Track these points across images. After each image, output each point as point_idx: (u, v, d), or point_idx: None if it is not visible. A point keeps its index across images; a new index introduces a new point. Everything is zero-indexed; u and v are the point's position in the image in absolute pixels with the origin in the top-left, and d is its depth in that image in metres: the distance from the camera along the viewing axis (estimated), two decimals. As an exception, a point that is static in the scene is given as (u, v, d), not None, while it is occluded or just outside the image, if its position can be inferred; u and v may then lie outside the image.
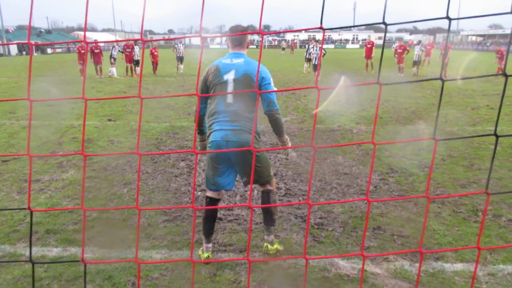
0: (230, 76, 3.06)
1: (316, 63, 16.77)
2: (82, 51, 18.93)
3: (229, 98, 3.07)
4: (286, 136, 3.34)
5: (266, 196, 3.28)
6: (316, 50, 18.01)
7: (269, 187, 3.29)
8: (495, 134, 1.16)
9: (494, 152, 1.23)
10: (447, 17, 1.17)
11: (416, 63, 19.13)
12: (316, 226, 3.91)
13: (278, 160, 5.96)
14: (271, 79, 3.14)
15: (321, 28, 1.24)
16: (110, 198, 4.59)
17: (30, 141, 7.16)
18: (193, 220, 3.95)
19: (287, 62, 30.04)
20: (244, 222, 3.98)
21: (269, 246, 3.31)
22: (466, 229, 3.82)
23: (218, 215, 3.95)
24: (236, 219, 4.05)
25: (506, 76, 1.18)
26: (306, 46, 23.29)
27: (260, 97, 3.13)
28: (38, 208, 4.30)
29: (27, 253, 3.39)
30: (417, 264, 3.25)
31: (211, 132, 3.13)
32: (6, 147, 6.82)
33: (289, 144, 3.38)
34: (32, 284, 1.69)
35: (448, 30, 1.30)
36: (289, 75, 19.40)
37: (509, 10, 1.32)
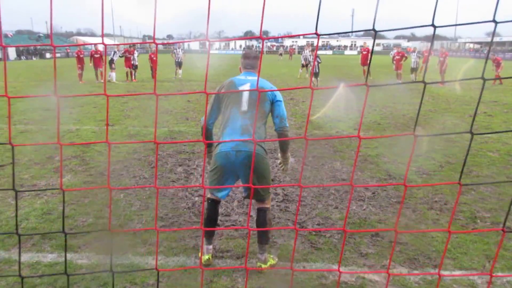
0: (245, 88, 3.18)
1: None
2: (81, 56, 18.88)
3: (244, 107, 3.16)
4: (289, 154, 3.42)
5: (262, 215, 3.25)
6: (311, 56, 17.65)
7: (266, 205, 3.28)
8: (471, 132, 1.29)
9: (469, 148, 1.36)
10: (432, 25, 1.23)
11: (414, 70, 19.20)
12: (314, 233, 3.88)
13: (276, 166, 5.94)
14: (282, 98, 3.27)
15: (316, 34, 1.26)
16: (107, 203, 4.55)
17: (28, 145, 7.13)
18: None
19: (285, 67, 30.11)
20: (241, 228, 3.96)
21: (262, 265, 3.23)
22: (465, 236, 3.80)
23: (215, 221, 3.98)
24: (234, 225, 4.02)
25: (484, 80, 1.29)
26: (302, 52, 23.44)
27: (272, 114, 3.22)
28: (33, 213, 4.25)
29: (22, 259, 3.35)
30: (415, 272, 3.23)
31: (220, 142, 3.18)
32: (2, 151, 6.78)
33: (290, 161, 3.43)
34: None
35: (433, 38, 1.35)
36: (287, 80, 19.43)
37: (505, 18, 1.34)
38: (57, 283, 3.02)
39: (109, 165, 2.00)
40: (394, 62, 19.23)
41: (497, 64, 18.66)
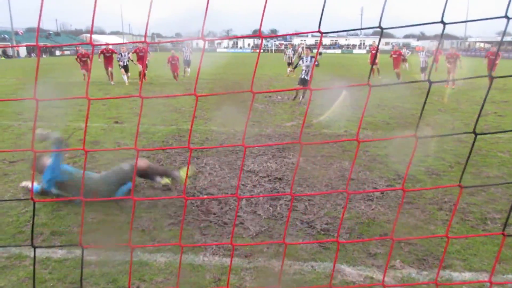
0: None
1: (303, 77, 13.56)
2: (84, 59, 18.07)
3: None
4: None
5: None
6: (306, 61, 13.59)
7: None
8: (474, 132, 1.27)
9: (472, 148, 1.31)
10: (442, 22, 1.20)
11: (423, 69, 18.96)
12: (322, 232, 3.87)
13: (284, 165, 5.94)
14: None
15: (319, 31, 1.25)
16: (111, 202, 4.58)
17: (36, 142, 7.18)
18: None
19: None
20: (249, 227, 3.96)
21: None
22: (475, 238, 3.76)
23: (224, 219, 4.07)
24: (242, 223, 4.03)
25: (491, 78, 1.26)
26: (288, 49, 23.27)
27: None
28: (43, 209, 4.29)
29: (32, 255, 3.39)
30: (424, 272, 3.21)
31: None
32: (13, 148, 6.85)
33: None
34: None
35: (442, 35, 1.32)
36: (296, 79, 19.36)
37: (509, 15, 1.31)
38: (67, 279, 3.05)
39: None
40: (392, 60, 18.95)
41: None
